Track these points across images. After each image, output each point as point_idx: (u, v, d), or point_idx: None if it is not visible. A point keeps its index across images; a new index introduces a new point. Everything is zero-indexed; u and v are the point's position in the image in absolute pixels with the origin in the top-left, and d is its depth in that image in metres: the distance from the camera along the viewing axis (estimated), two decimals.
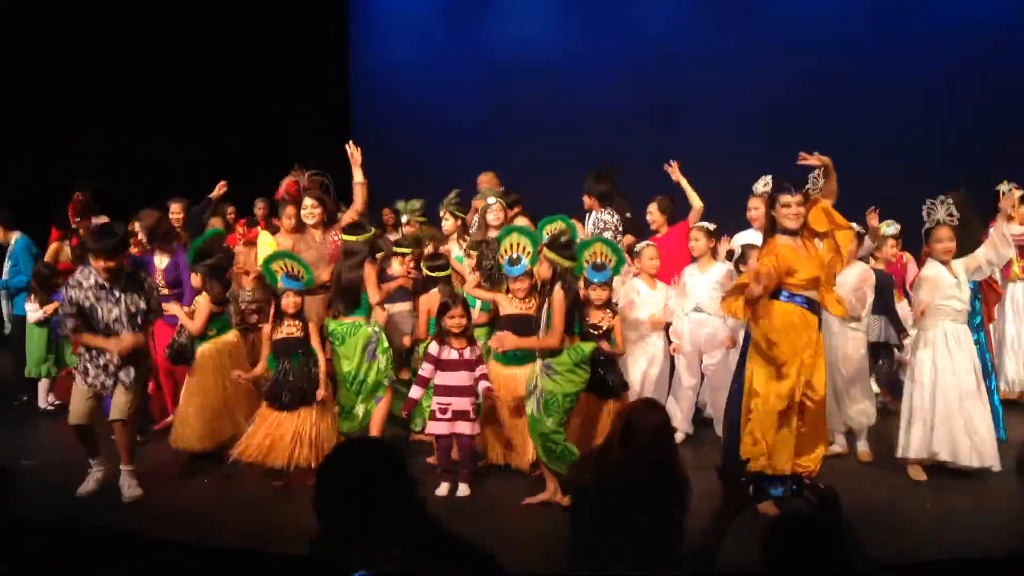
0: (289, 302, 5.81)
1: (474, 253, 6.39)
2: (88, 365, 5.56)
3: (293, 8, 13.44)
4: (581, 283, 5.62)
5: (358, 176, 6.62)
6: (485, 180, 7.96)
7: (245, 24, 13.02)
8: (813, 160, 5.33)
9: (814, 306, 5.17)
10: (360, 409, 5.93)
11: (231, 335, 6.35)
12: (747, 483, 5.08)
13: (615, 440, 3.58)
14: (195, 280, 6.28)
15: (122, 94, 11.77)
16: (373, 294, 6.01)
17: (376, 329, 5.96)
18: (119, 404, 5.60)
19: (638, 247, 6.73)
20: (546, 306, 5.33)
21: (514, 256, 5.74)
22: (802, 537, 2.54)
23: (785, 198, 5.14)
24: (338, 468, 2.55)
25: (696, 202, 7.13)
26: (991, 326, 7.32)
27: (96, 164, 10.76)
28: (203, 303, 6.19)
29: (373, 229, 6.27)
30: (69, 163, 10.52)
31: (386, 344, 5.99)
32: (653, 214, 7.25)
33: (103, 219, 8.49)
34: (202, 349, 6.19)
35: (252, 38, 13.05)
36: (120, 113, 11.73)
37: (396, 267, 6.52)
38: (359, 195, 6.62)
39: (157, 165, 11.66)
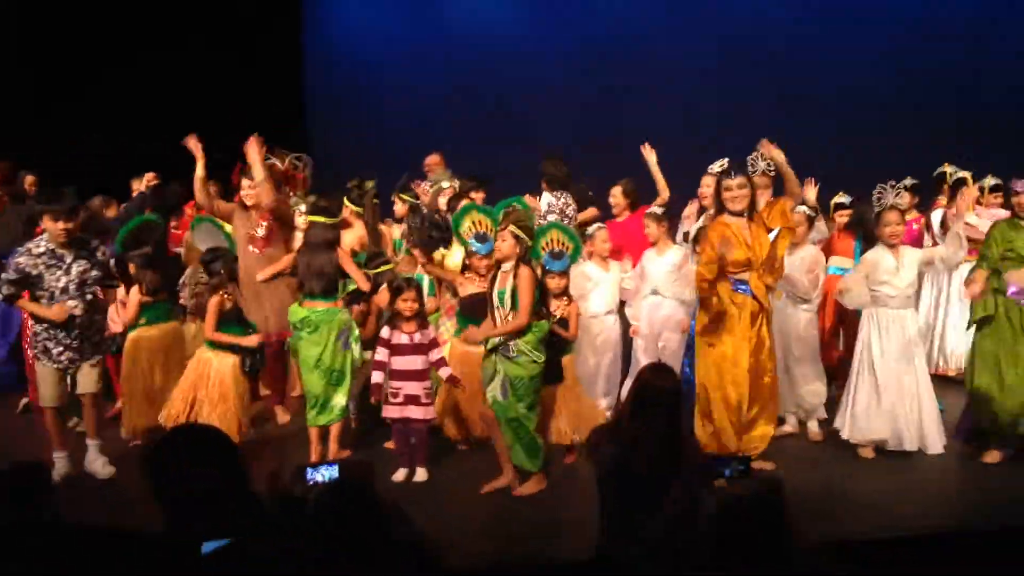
0: None
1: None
2: (48, 344, 5.52)
3: (292, 8, 13.55)
4: (538, 271, 5.54)
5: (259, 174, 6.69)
6: (434, 162, 7.98)
7: (245, 24, 13.12)
8: (768, 150, 5.42)
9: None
10: (338, 400, 5.86)
11: (169, 324, 6.27)
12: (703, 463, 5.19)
13: (627, 408, 3.70)
14: (131, 269, 6.26)
15: (122, 94, 11.82)
16: (360, 279, 6.02)
17: (349, 317, 5.96)
18: (88, 378, 5.64)
19: (590, 230, 6.71)
20: (508, 284, 5.17)
21: (480, 233, 5.72)
22: (742, 517, 2.57)
23: (727, 182, 5.30)
24: (167, 452, 2.48)
25: (664, 192, 7.15)
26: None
27: (96, 164, 10.86)
28: (134, 294, 6.14)
29: (340, 215, 6.33)
30: (69, 163, 10.64)
31: (357, 332, 5.99)
32: (616, 197, 7.20)
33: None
34: (132, 336, 6.14)
35: (252, 38, 13.15)
36: (120, 113, 11.76)
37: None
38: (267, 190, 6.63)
39: (157, 165, 11.74)
